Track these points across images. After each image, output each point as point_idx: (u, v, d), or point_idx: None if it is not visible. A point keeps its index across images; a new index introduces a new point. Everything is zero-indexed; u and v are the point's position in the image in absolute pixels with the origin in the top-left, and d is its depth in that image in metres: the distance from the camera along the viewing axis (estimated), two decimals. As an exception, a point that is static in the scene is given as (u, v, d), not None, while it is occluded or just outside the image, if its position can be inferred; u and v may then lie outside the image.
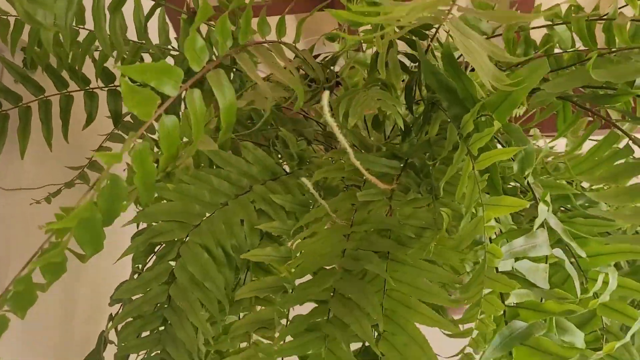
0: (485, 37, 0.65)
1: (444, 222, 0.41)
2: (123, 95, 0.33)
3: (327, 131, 0.77)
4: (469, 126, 0.43)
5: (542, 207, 0.40)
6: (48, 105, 0.79)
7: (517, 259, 0.41)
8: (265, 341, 0.48)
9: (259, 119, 0.71)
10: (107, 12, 0.64)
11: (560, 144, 0.67)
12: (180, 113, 0.75)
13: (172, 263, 0.54)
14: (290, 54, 0.65)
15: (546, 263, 0.41)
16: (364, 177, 0.54)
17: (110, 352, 0.59)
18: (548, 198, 0.40)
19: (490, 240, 0.38)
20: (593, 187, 0.53)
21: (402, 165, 0.52)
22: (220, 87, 0.45)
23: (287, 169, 0.66)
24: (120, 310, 0.59)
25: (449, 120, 0.48)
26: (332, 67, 0.74)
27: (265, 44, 0.60)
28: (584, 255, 0.46)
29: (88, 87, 0.80)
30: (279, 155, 0.68)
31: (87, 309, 0.92)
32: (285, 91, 0.65)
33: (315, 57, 0.74)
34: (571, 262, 0.49)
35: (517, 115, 0.72)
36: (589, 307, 0.36)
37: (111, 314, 0.61)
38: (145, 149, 0.37)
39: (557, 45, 0.64)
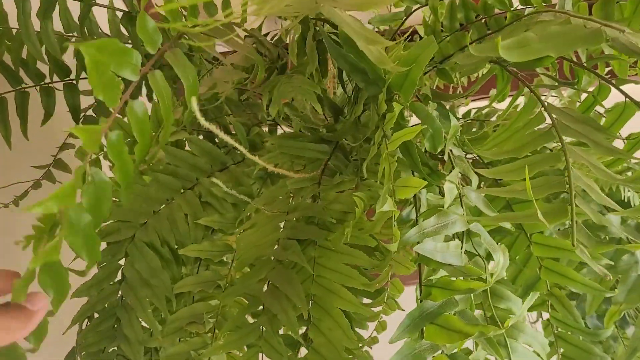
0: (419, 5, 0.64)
1: (359, 206, 0.41)
2: (89, 74, 0.31)
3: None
4: (383, 106, 0.43)
5: (448, 185, 0.40)
6: (3, 103, 0.79)
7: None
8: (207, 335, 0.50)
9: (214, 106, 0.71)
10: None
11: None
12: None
13: (122, 262, 0.56)
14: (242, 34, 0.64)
15: (463, 239, 0.41)
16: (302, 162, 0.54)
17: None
18: (453, 176, 0.40)
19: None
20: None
21: (333, 148, 0.52)
22: (181, 66, 0.43)
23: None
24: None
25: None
26: (281, 45, 0.74)
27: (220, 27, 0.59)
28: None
29: (43, 82, 0.80)
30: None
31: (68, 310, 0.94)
32: (244, 72, 0.65)
33: (265, 35, 0.74)
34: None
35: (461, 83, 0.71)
36: (491, 282, 0.37)
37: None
38: (120, 139, 0.35)
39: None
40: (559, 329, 0.52)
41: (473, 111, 0.74)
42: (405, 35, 0.55)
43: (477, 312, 0.48)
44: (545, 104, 0.43)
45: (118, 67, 0.33)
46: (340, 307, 0.41)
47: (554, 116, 0.42)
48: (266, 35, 0.75)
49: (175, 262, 0.55)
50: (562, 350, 0.52)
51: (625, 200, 0.54)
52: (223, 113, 0.74)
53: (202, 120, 0.33)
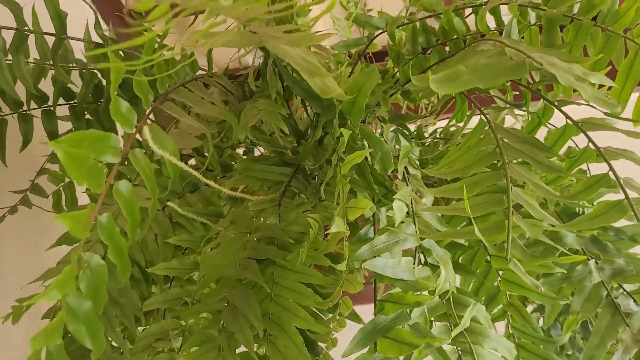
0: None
1: (313, 227, 0.43)
2: (67, 170, 0.32)
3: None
4: (337, 131, 0.45)
5: (397, 204, 0.42)
6: (-18, 131, 0.80)
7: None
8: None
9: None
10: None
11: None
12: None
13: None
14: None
15: (415, 255, 0.43)
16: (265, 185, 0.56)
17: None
18: (402, 194, 0.42)
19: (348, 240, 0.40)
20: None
21: (294, 170, 0.54)
22: (159, 139, 0.44)
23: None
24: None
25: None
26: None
27: (184, 86, 0.60)
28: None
29: (21, 110, 0.82)
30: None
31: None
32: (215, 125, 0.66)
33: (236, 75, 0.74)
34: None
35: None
36: (441, 294, 0.38)
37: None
38: (110, 221, 0.36)
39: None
40: (520, 339, 0.54)
41: (440, 130, 0.77)
42: (355, 63, 0.57)
43: (441, 324, 0.50)
44: (493, 124, 0.45)
45: (99, 155, 0.34)
46: (296, 325, 0.42)
47: (500, 136, 0.44)
48: (233, 76, 0.75)
49: (145, 281, 0.57)
50: None
51: (580, 212, 0.56)
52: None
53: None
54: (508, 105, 0.52)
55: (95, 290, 0.34)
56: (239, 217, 0.54)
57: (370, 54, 0.88)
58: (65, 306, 0.33)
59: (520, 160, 0.44)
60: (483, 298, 0.55)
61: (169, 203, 0.60)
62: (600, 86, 0.54)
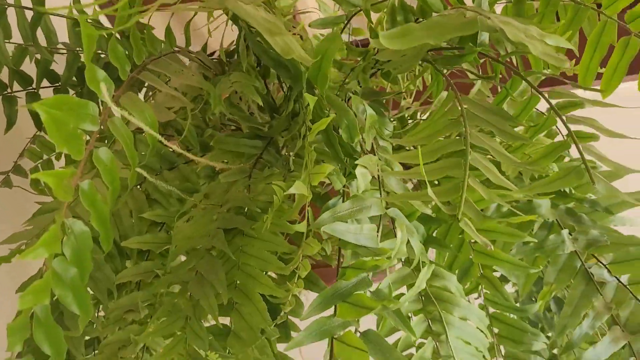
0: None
1: (278, 194, 0.43)
2: (49, 132, 0.31)
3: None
4: (305, 100, 0.45)
5: (359, 170, 0.42)
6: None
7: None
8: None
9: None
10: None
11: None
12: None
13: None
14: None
15: (379, 223, 0.43)
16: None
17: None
18: (364, 161, 0.42)
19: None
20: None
21: (266, 143, 0.54)
22: (137, 109, 0.44)
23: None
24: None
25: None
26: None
27: (163, 57, 0.60)
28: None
29: (5, 92, 0.83)
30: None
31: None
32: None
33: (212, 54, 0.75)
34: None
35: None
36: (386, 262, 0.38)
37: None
38: (92, 187, 0.36)
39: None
40: (493, 310, 0.54)
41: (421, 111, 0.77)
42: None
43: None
44: (459, 95, 0.45)
45: (77, 122, 0.33)
46: (259, 291, 0.43)
47: (465, 106, 0.44)
48: (212, 54, 0.76)
49: (120, 256, 0.57)
50: (497, 330, 0.54)
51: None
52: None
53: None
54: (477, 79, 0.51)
55: (80, 257, 0.33)
56: (212, 191, 0.55)
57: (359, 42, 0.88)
58: (51, 271, 0.32)
59: (487, 130, 0.44)
60: (457, 271, 0.56)
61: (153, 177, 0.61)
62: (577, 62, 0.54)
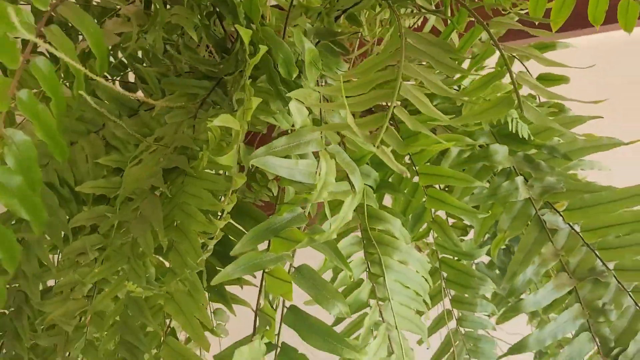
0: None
1: (214, 132, 0.42)
2: None
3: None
4: (243, 35, 0.44)
5: (293, 104, 0.41)
6: None
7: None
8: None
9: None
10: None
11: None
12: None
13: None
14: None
15: (317, 159, 0.42)
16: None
17: None
18: (297, 94, 0.41)
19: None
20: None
21: (215, 84, 0.53)
22: (79, 19, 0.42)
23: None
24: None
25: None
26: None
27: None
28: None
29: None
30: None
31: None
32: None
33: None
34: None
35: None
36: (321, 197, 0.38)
37: None
38: (31, 97, 0.34)
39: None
40: (442, 255, 0.54)
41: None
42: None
43: (353, 235, 0.50)
44: (403, 28, 0.44)
45: (9, 28, 0.32)
46: (194, 228, 0.42)
47: (406, 39, 0.43)
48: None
49: (75, 201, 0.57)
50: (445, 274, 0.54)
51: (513, 131, 0.55)
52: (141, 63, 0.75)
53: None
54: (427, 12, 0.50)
55: (24, 166, 0.32)
56: (165, 133, 0.54)
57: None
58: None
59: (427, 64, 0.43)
60: (410, 216, 0.55)
61: (111, 123, 0.60)
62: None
